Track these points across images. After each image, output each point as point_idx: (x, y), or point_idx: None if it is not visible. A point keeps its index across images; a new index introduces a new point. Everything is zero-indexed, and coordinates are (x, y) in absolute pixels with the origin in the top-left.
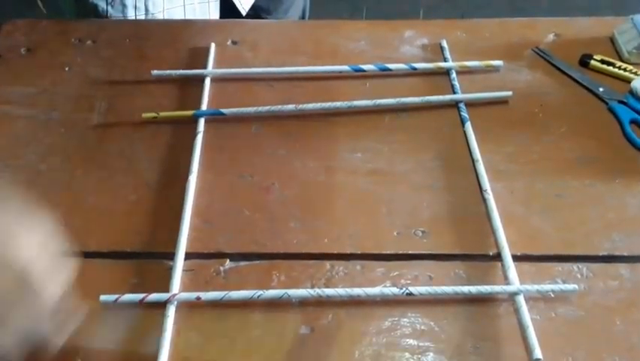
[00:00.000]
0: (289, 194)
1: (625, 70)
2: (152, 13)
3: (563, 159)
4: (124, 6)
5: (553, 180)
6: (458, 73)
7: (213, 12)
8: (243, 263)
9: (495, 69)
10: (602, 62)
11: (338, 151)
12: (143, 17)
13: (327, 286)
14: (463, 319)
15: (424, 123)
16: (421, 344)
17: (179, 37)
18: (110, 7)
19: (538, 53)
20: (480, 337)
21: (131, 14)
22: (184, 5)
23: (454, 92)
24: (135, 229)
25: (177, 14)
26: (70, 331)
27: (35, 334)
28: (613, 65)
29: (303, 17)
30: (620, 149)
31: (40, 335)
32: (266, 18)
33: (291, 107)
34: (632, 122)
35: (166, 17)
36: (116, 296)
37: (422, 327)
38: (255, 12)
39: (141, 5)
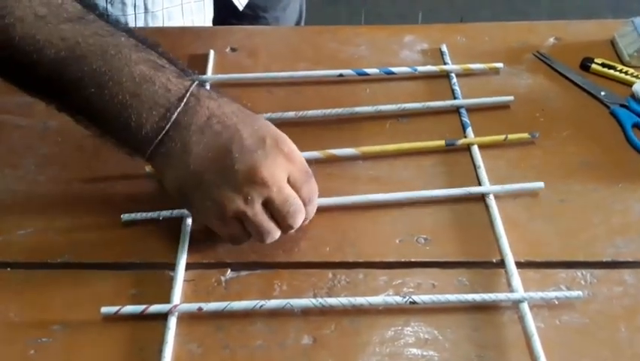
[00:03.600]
0: None
1: (626, 73)
2: (152, 12)
3: (565, 164)
4: (123, 4)
5: (555, 186)
6: (459, 77)
7: (208, 10)
8: (244, 273)
9: (495, 72)
10: (603, 65)
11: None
12: (142, 16)
13: (330, 296)
14: (466, 327)
15: (425, 129)
16: (424, 353)
17: (178, 45)
18: (109, 6)
19: (538, 57)
20: (484, 345)
21: (130, 12)
22: (182, 4)
23: (455, 98)
24: (135, 239)
25: (176, 13)
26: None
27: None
28: (614, 68)
29: (300, 16)
30: (622, 153)
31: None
32: (263, 16)
33: (291, 114)
34: (635, 126)
35: (165, 16)
36: (117, 308)
37: (426, 336)
38: (253, 10)
39: (140, 4)
